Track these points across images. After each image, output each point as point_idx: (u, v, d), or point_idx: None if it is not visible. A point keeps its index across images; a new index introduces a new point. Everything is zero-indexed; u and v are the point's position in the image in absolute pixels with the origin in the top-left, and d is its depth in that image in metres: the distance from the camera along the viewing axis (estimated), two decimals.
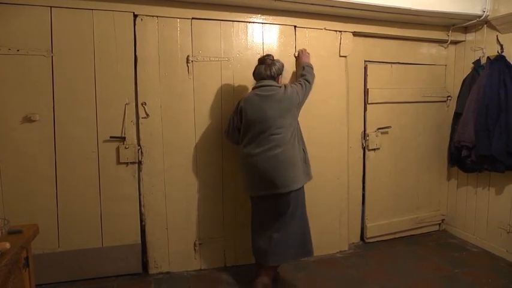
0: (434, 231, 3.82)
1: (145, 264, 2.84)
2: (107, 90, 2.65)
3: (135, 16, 2.67)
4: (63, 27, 2.53)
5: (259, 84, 2.53)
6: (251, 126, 2.47)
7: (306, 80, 2.67)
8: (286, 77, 2.87)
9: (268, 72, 2.52)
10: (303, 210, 2.59)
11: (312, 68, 2.78)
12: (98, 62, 2.62)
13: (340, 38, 3.16)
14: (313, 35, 3.07)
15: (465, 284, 2.76)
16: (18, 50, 2.45)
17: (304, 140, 3.12)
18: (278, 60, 2.58)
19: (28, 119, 2.50)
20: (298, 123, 2.60)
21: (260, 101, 2.48)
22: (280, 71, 2.57)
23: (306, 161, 2.60)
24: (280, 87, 2.54)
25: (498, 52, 3.19)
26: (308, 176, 2.61)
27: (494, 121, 3.01)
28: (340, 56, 3.19)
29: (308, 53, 2.92)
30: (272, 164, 2.40)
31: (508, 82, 3.02)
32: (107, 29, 2.62)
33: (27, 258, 1.62)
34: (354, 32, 3.22)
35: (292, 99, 2.52)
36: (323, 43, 3.11)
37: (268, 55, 2.59)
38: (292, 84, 2.62)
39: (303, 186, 2.55)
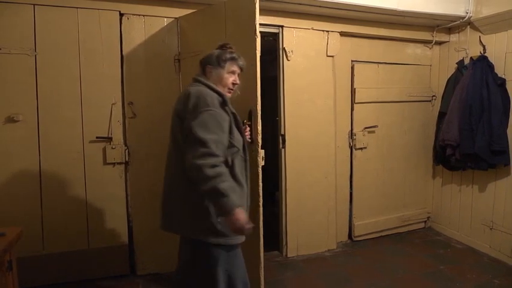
0: (420, 228, 3.89)
1: (133, 266, 2.81)
2: (93, 90, 2.62)
3: (121, 15, 2.65)
4: (47, 25, 2.49)
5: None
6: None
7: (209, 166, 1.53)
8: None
9: (201, 60, 1.84)
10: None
11: (220, 194, 1.52)
12: (84, 61, 2.58)
13: (328, 37, 3.19)
14: (301, 35, 3.08)
15: (450, 279, 2.81)
16: (0, 49, 2.40)
17: (293, 139, 3.14)
18: (234, 54, 1.82)
19: (11, 119, 2.45)
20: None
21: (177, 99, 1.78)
22: (213, 62, 1.78)
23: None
24: (198, 87, 1.70)
25: (481, 53, 3.26)
26: (216, 235, 1.66)
27: (477, 120, 3.08)
28: (328, 56, 3.21)
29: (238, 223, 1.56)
30: (165, 188, 1.82)
31: (490, 82, 3.09)
32: (92, 28, 2.58)
33: (10, 262, 1.59)
34: (341, 32, 3.25)
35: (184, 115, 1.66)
36: (310, 43, 3.13)
37: (227, 43, 1.88)
38: (206, 111, 1.60)
39: (209, 245, 1.68)
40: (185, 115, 1.64)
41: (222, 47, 1.86)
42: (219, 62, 1.79)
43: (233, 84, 1.83)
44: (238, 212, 1.53)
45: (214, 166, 1.53)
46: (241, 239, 1.75)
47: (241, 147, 1.78)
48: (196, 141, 1.56)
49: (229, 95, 1.83)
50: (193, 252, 1.76)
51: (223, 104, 1.70)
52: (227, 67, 1.80)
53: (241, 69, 1.86)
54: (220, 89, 1.76)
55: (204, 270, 1.73)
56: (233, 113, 1.75)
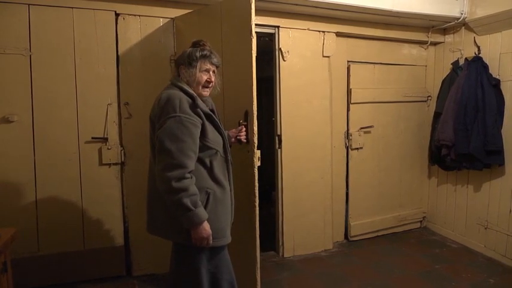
0: (416, 228, 3.91)
1: (129, 267, 2.80)
2: (88, 90, 2.61)
3: (117, 15, 2.64)
4: (42, 25, 2.47)
5: None
6: None
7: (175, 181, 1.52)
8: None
9: (175, 60, 1.83)
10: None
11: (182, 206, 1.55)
12: (79, 62, 2.57)
13: (324, 38, 3.20)
14: (297, 35, 3.08)
15: (445, 279, 2.83)
16: None
17: (289, 140, 3.14)
18: (206, 51, 1.74)
19: (6, 120, 2.43)
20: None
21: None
22: (185, 61, 1.73)
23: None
24: (170, 90, 1.66)
25: (475, 53, 3.29)
26: (181, 236, 1.65)
27: (472, 120, 3.10)
28: (324, 56, 3.22)
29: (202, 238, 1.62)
30: (148, 192, 1.80)
31: (485, 83, 3.11)
32: (87, 28, 2.57)
33: (5, 263, 1.58)
34: (337, 32, 3.26)
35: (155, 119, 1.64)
36: (307, 43, 3.14)
37: (201, 40, 1.83)
38: (173, 117, 1.56)
39: (191, 248, 1.67)
40: (156, 121, 1.62)
41: (195, 44, 1.79)
42: (190, 61, 1.72)
43: (208, 82, 1.75)
44: (202, 226, 1.57)
45: (180, 179, 1.52)
46: (225, 240, 1.74)
47: (220, 148, 1.74)
48: (163, 151, 1.55)
49: (206, 93, 1.77)
50: (177, 254, 1.78)
51: (194, 106, 1.63)
52: (199, 66, 1.72)
53: (216, 66, 1.78)
54: (194, 89, 1.71)
55: (187, 272, 1.73)
56: (208, 114, 1.68)
